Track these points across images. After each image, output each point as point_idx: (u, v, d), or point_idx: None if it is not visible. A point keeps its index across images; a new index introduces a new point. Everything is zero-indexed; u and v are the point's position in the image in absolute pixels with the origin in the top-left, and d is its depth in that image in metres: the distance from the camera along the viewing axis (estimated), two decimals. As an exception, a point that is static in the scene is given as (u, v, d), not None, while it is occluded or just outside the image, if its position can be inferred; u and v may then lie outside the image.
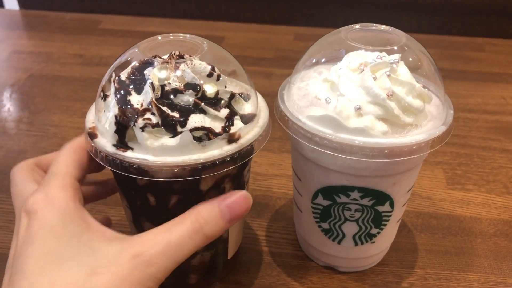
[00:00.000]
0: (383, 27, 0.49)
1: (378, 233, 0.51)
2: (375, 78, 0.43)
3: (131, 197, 0.47)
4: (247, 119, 0.44)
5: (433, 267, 0.56)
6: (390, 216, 0.49)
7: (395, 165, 0.45)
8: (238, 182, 0.47)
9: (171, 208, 0.45)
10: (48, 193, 0.38)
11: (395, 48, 0.46)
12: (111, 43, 1.13)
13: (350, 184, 0.46)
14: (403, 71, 0.45)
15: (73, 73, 1.00)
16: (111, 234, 0.38)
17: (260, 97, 0.49)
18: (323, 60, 0.50)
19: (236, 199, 0.39)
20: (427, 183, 0.70)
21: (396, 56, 0.45)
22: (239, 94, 0.46)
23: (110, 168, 0.42)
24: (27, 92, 0.93)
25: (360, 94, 0.43)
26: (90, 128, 0.44)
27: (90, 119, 0.45)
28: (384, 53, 0.45)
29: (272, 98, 0.50)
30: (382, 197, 0.47)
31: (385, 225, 0.50)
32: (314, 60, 0.50)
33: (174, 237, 0.37)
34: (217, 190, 0.44)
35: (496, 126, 0.84)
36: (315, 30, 1.21)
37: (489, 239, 0.60)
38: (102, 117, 0.44)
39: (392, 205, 0.48)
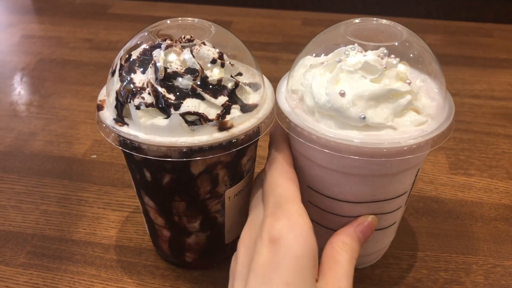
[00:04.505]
0: (384, 21, 0.49)
1: None
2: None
3: (132, 170, 0.49)
4: (248, 109, 0.45)
5: (433, 250, 0.57)
6: None
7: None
8: (235, 171, 0.48)
9: (165, 185, 0.46)
10: (291, 219, 0.40)
11: (396, 44, 0.46)
12: (119, 28, 1.14)
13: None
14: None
15: (82, 57, 1.01)
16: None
17: (269, 88, 0.50)
18: (322, 55, 0.50)
19: (368, 225, 0.47)
20: (430, 167, 0.70)
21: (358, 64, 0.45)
22: (249, 83, 0.47)
23: (108, 139, 0.44)
24: (37, 76, 0.95)
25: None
26: (100, 101, 0.47)
27: (103, 92, 0.48)
28: (383, 49, 0.46)
29: (278, 83, 0.51)
30: None
31: None
32: (313, 55, 0.50)
33: (348, 277, 0.42)
34: (209, 175, 0.46)
35: (501, 112, 0.84)
36: (323, 15, 1.21)
37: (489, 223, 0.61)
38: (110, 92, 0.46)
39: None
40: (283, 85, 0.51)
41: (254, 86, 0.48)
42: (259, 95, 0.47)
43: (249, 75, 0.50)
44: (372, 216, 0.47)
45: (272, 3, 1.26)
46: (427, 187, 0.67)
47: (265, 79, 0.51)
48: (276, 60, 0.99)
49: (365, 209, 0.48)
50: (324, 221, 0.51)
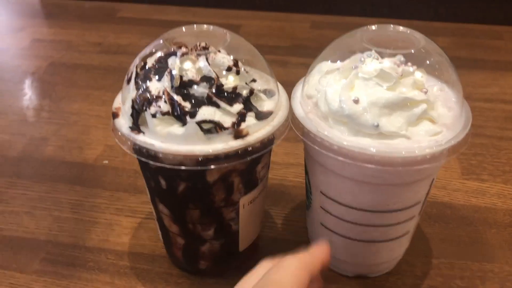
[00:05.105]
0: (401, 28, 0.48)
1: None
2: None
3: (147, 178, 0.49)
4: (263, 116, 0.45)
5: (447, 257, 0.57)
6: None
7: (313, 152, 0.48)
8: (249, 179, 0.47)
9: (180, 193, 0.46)
10: None
11: (413, 51, 0.45)
12: (129, 31, 1.14)
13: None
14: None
15: (92, 61, 1.01)
16: None
17: (283, 94, 0.50)
18: (338, 62, 0.49)
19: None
20: (442, 173, 0.70)
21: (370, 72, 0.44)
22: (263, 90, 0.47)
23: (123, 147, 0.44)
24: (48, 80, 0.95)
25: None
26: (115, 108, 0.47)
27: (118, 100, 0.48)
28: (400, 56, 0.45)
29: (287, 87, 0.51)
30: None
31: None
32: (329, 61, 0.50)
33: None
34: (224, 183, 0.45)
35: (513, 116, 0.83)
36: (332, 18, 1.20)
37: (504, 229, 0.61)
38: (126, 100, 0.46)
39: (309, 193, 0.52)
40: (298, 90, 0.51)
41: (269, 93, 0.48)
42: (273, 102, 0.47)
43: (263, 81, 0.50)
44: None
45: (280, 6, 1.25)
46: (440, 193, 0.66)
47: (279, 86, 0.51)
48: (285, 63, 0.99)
49: (378, 218, 0.48)
50: (338, 228, 0.51)
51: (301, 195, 0.66)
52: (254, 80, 0.49)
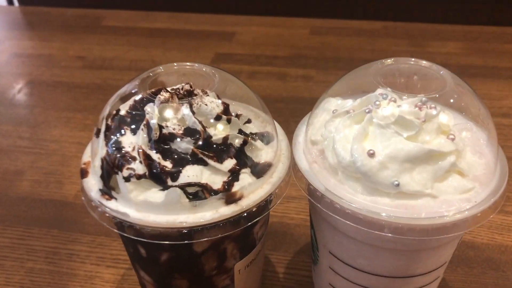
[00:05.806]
0: (424, 62, 0.41)
1: None
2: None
3: (124, 243, 0.42)
4: (260, 171, 0.37)
5: (473, 311, 0.50)
6: None
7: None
8: (245, 242, 0.41)
9: (163, 263, 0.39)
10: None
11: (437, 96, 0.38)
12: (114, 42, 1.06)
13: None
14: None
15: (74, 78, 0.94)
16: None
17: (284, 139, 0.43)
18: (347, 100, 0.42)
19: None
20: (462, 205, 0.63)
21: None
22: (259, 134, 0.40)
23: (94, 215, 0.37)
24: (26, 101, 0.87)
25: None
26: (84, 164, 0.40)
27: (88, 152, 0.41)
28: (422, 96, 0.38)
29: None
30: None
31: None
32: (337, 98, 0.42)
33: None
34: (215, 251, 0.39)
35: (535, 133, 0.76)
36: (333, 22, 1.13)
37: (535, 273, 0.54)
38: (95, 156, 0.39)
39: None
40: (301, 133, 0.43)
41: (266, 138, 0.41)
42: (272, 150, 0.40)
43: (259, 122, 0.43)
44: None
45: (278, 10, 1.18)
46: (461, 230, 0.59)
47: (278, 127, 0.43)
48: (284, 76, 0.91)
49: (397, 283, 0.41)
50: None
51: (305, 235, 0.59)
52: (249, 121, 0.42)
